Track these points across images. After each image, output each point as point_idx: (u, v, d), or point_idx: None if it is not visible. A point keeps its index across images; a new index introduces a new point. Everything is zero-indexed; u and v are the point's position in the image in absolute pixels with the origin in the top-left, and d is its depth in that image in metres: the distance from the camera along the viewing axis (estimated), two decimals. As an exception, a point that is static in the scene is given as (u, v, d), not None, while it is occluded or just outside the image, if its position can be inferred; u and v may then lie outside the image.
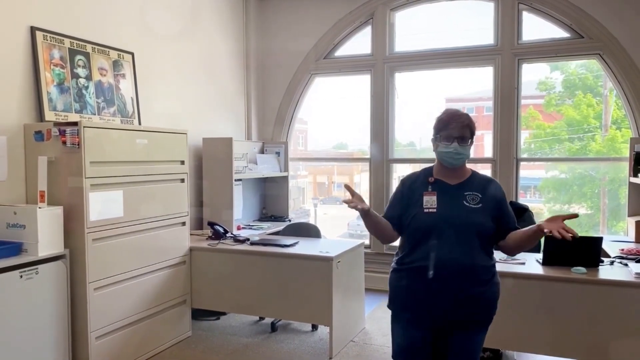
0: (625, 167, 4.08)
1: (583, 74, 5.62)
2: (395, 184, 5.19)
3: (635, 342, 2.67)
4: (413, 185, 2.13)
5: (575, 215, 1.87)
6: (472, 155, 2.14)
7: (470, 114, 2.13)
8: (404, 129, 5.27)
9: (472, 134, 2.08)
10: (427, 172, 2.17)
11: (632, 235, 3.73)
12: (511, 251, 2.11)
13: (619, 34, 4.09)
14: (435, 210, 2.02)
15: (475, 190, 2.06)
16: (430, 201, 2.04)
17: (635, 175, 3.80)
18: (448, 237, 1.98)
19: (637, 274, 2.72)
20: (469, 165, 2.18)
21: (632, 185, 3.94)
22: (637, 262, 2.94)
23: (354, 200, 1.95)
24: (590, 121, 5.72)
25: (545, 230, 1.81)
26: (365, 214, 1.99)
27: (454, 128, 2.03)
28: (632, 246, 3.42)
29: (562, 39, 4.35)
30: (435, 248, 1.98)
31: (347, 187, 1.99)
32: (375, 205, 4.96)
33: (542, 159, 5.73)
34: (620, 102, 4.35)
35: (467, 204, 2.03)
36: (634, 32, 4.06)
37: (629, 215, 3.95)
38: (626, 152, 4.09)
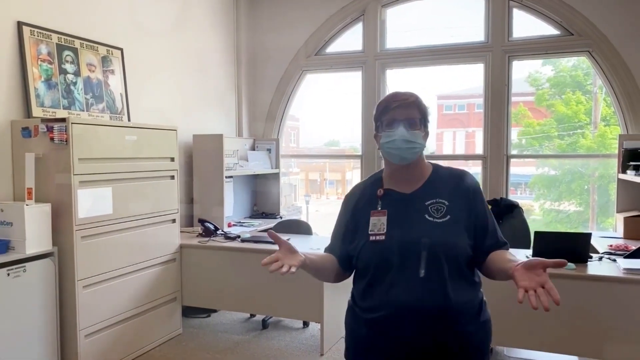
0: (615, 163, 4.10)
1: (573, 71, 5.66)
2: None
3: (624, 336, 2.70)
4: (359, 204, 1.62)
5: (563, 264, 1.30)
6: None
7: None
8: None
9: (424, 117, 1.58)
10: (376, 180, 1.65)
11: (620, 231, 3.77)
12: (492, 276, 1.55)
13: (608, 32, 4.11)
14: (383, 236, 1.50)
15: (440, 195, 1.54)
16: (377, 224, 1.53)
17: (624, 172, 3.83)
18: (409, 271, 1.46)
19: (625, 269, 2.75)
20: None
21: (620, 181, 3.97)
22: (625, 257, 2.97)
23: (279, 260, 1.41)
24: (580, 117, 5.76)
25: (519, 287, 1.26)
26: (302, 267, 1.47)
27: (397, 108, 1.54)
28: (621, 242, 3.45)
29: (552, 36, 4.37)
30: (394, 289, 1.47)
31: (271, 235, 1.47)
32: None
33: (532, 155, 5.76)
34: (609, 100, 4.38)
35: (430, 219, 1.50)
36: (623, 29, 4.08)
37: (617, 212, 3.98)
38: (616, 149, 4.12)
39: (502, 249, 1.57)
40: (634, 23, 4.05)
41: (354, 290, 1.64)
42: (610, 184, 4.29)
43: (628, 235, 3.64)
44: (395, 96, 1.58)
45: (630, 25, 4.06)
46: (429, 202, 1.54)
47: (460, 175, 1.62)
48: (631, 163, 3.71)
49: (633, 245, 3.22)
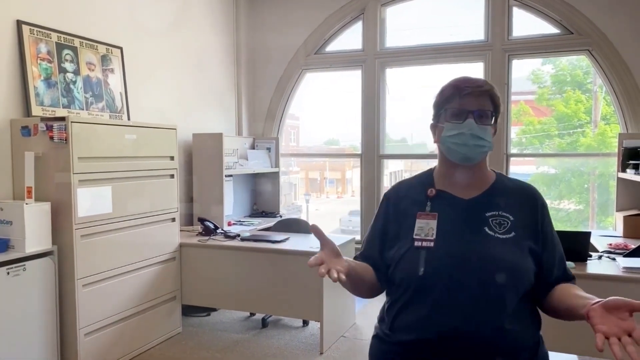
0: (615, 162, 4.10)
1: (573, 69, 5.65)
2: (386, 181, 5.20)
3: (623, 335, 2.70)
4: (402, 203, 1.38)
5: None
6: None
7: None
8: (396, 125, 5.27)
9: (497, 109, 1.33)
10: (425, 179, 1.41)
11: (620, 230, 3.77)
12: (555, 314, 1.29)
13: (608, 30, 4.11)
14: (431, 242, 1.26)
15: (504, 208, 1.30)
16: (425, 228, 1.29)
17: (623, 171, 3.82)
18: (459, 290, 1.21)
19: (624, 268, 2.75)
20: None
21: (620, 180, 3.97)
22: (624, 256, 2.97)
23: (324, 262, 1.15)
24: (580, 116, 5.76)
25: (597, 332, 1.01)
26: (346, 274, 1.20)
27: (468, 96, 1.28)
28: (620, 241, 3.45)
29: (552, 35, 4.36)
30: (438, 310, 1.22)
31: (315, 231, 1.23)
32: (366, 204, 4.96)
33: (532, 154, 5.76)
34: (609, 98, 4.38)
35: (490, 232, 1.26)
36: (622, 28, 4.08)
37: (617, 210, 3.98)
38: (616, 147, 4.12)
39: (571, 282, 1.32)
40: (634, 22, 4.05)
41: (384, 311, 1.37)
42: (611, 182, 4.29)
43: (627, 234, 3.64)
44: (467, 81, 1.32)
45: (630, 24, 4.06)
46: (490, 213, 1.29)
47: (529, 189, 1.37)
48: (631, 162, 3.71)
49: (632, 244, 3.21)
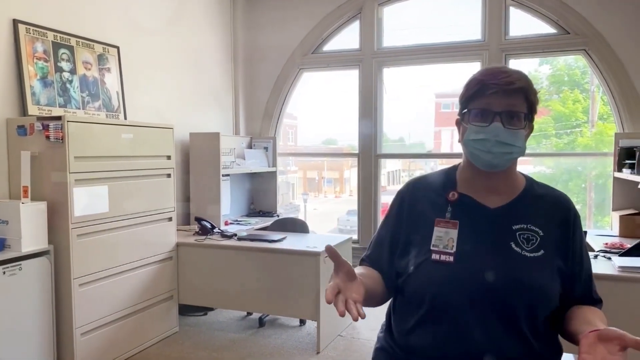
0: (611, 161, 4.11)
1: (571, 69, 5.67)
2: (383, 181, 5.20)
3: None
4: (419, 205, 1.24)
5: None
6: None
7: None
8: (393, 124, 5.28)
9: (532, 107, 1.16)
10: (447, 179, 1.25)
11: (616, 230, 3.78)
12: (562, 335, 1.19)
13: (604, 30, 4.12)
14: (451, 257, 1.13)
15: (533, 220, 1.16)
16: (444, 238, 1.15)
17: (619, 170, 3.83)
18: (482, 315, 1.10)
19: (620, 267, 2.75)
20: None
21: (616, 180, 3.98)
22: (620, 255, 2.98)
23: (341, 291, 1.00)
24: (578, 116, 5.77)
25: (580, 357, 0.94)
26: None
27: (496, 95, 1.11)
28: (616, 240, 3.46)
29: (549, 35, 4.37)
30: (456, 333, 1.11)
31: (330, 252, 1.04)
32: (364, 204, 4.96)
33: (530, 154, 5.76)
34: (605, 98, 4.39)
35: (517, 249, 1.13)
36: (618, 28, 4.09)
37: (613, 210, 3.99)
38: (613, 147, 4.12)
39: (594, 305, 1.20)
40: (630, 21, 4.06)
41: (390, 321, 1.26)
42: (608, 182, 4.30)
43: (623, 233, 3.65)
44: (497, 75, 1.12)
45: (626, 23, 4.07)
46: (517, 226, 1.15)
47: (561, 198, 1.22)
48: (627, 161, 3.72)
49: (628, 244, 3.22)
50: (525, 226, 1.15)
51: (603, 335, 0.94)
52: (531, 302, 1.10)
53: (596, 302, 1.22)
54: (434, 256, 1.14)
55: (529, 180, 1.24)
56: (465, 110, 1.17)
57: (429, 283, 1.13)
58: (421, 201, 1.24)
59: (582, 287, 1.19)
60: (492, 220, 1.17)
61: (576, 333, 1.06)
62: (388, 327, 1.27)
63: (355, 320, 0.96)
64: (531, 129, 1.19)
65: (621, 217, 3.71)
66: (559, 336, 1.20)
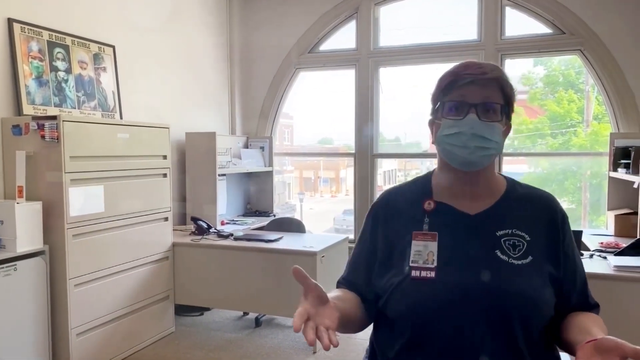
0: (606, 161, 4.13)
1: (565, 69, 5.69)
2: (380, 180, 5.20)
3: (615, 333, 2.71)
4: (393, 218, 1.15)
5: None
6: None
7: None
8: (389, 124, 5.28)
9: (509, 103, 1.10)
10: (421, 188, 1.17)
11: (611, 229, 3.79)
12: (558, 344, 1.12)
13: (600, 30, 4.14)
14: (432, 272, 1.04)
15: (518, 224, 1.09)
16: (423, 252, 1.06)
17: (614, 170, 3.85)
18: (470, 332, 1.01)
19: (615, 267, 2.77)
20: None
21: (611, 179, 4.00)
22: (615, 255, 2.99)
23: (310, 317, 0.92)
24: (573, 116, 5.79)
25: None
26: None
27: (470, 85, 1.05)
28: (611, 239, 3.48)
29: (544, 35, 4.38)
30: (449, 355, 1.02)
31: (297, 274, 0.99)
32: (360, 203, 4.96)
33: (525, 154, 5.78)
34: (600, 98, 4.41)
35: (503, 257, 1.05)
36: (614, 28, 4.11)
37: (608, 209, 4.01)
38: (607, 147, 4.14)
39: (590, 311, 1.13)
40: (625, 22, 4.08)
41: (377, 348, 1.15)
42: (603, 181, 4.32)
43: (619, 232, 3.67)
44: (470, 67, 1.07)
45: (621, 24, 4.08)
46: (502, 232, 1.07)
47: (546, 198, 1.15)
48: (622, 161, 3.73)
49: (623, 243, 3.24)
50: (510, 231, 1.07)
51: (600, 345, 0.86)
52: (524, 314, 1.01)
53: (592, 307, 1.15)
54: (414, 273, 1.04)
55: (510, 182, 1.17)
56: (439, 104, 1.10)
57: (411, 305, 1.03)
58: (396, 214, 1.15)
59: (576, 293, 1.11)
60: (473, 228, 1.08)
61: (573, 343, 0.99)
62: (372, 354, 1.18)
63: (327, 349, 0.87)
64: (509, 127, 1.12)
65: (616, 216, 3.73)
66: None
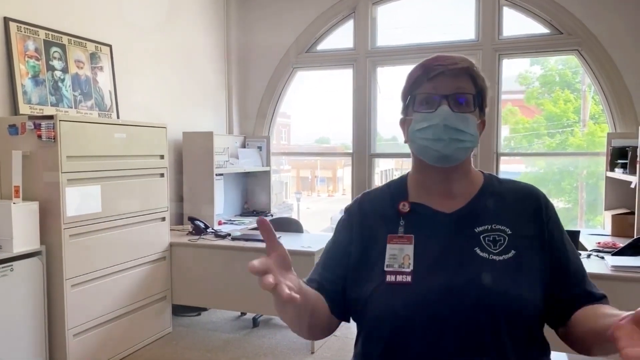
0: (603, 161, 4.14)
1: (562, 69, 5.70)
2: (377, 180, 5.20)
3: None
4: (368, 221, 1.10)
5: None
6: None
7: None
8: (387, 124, 5.28)
9: (482, 94, 1.08)
10: (396, 190, 1.13)
11: (608, 229, 3.80)
12: (580, 346, 1.01)
13: (597, 30, 4.14)
14: (409, 276, 0.99)
15: (498, 219, 1.04)
16: (398, 256, 1.01)
17: (612, 170, 3.86)
18: (449, 336, 0.95)
19: (613, 266, 2.77)
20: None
21: (608, 179, 4.01)
22: (612, 255, 3.00)
23: (271, 272, 0.83)
24: (569, 115, 5.81)
25: (622, 355, 0.70)
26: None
27: (440, 76, 1.02)
28: (609, 239, 3.48)
29: (542, 35, 4.39)
30: (424, 359, 0.97)
31: (263, 226, 0.90)
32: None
33: (522, 153, 5.80)
34: (597, 98, 4.42)
35: (483, 254, 1.00)
36: (611, 28, 4.12)
37: (605, 209, 4.02)
38: (604, 147, 4.15)
39: (598, 302, 1.01)
40: (623, 22, 4.08)
41: (358, 354, 1.08)
42: (600, 181, 4.33)
43: (616, 232, 3.68)
44: (438, 59, 1.03)
45: (619, 24, 4.09)
46: (481, 228, 1.02)
47: (527, 189, 1.10)
48: (619, 161, 3.74)
49: (621, 243, 3.24)
50: (489, 227, 1.02)
51: (639, 317, 0.72)
52: (508, 312, 0.94)
53: (601, 298, 1.03)
54: (389, 278, 0.99)
55: (488, 177, 1.12)
56: (409, 99, 1.06)
57: (386, 311, 0.98)
58: (370, 218, 1.10)
59: (577, 286, 1.03)
60: (451, 227, 1.03)
61: (598, 331, 0.88)
62: (356, 349, 1.12)
63: (285, 300, 0.80)
64: (484, 123, 1.08)
65: (613, 216, 3.74)
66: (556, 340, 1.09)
